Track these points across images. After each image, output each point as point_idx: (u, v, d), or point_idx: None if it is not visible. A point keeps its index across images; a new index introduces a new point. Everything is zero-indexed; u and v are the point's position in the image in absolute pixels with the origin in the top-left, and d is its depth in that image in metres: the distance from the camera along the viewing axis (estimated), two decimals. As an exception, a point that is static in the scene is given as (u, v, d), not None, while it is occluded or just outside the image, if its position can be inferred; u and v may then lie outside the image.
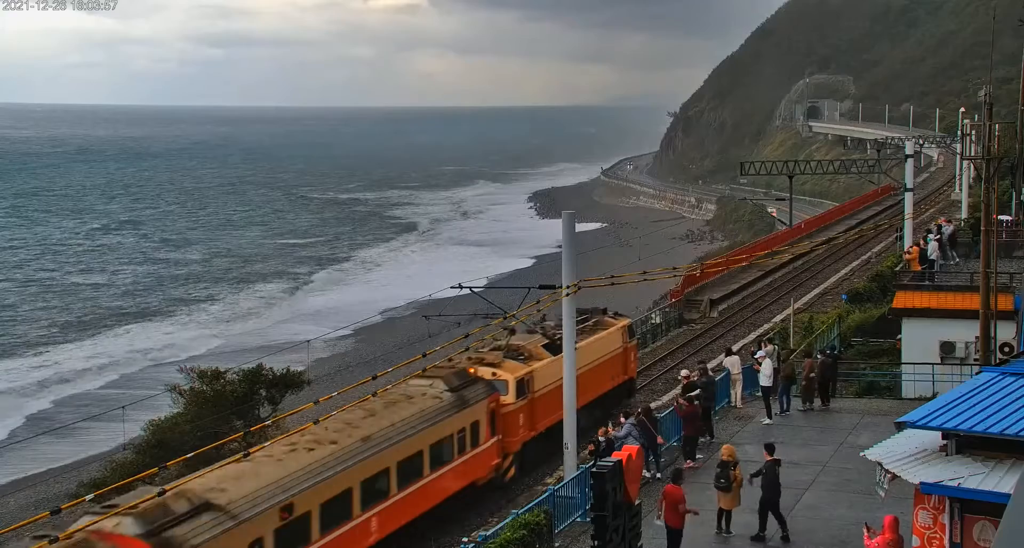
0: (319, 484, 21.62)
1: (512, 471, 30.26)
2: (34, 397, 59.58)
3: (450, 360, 30.22)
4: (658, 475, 24.28)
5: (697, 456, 25.74)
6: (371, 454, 23.60)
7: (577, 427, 25.66)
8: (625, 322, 38.14)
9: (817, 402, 30.50)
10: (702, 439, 26.99)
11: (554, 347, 31.72)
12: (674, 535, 19.24)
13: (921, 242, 40.80)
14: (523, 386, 30.58)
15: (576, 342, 27.57)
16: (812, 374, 30.10)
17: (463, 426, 27.56)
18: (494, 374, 29.90)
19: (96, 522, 17.90)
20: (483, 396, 28.60)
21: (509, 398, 29.82)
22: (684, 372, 28.93)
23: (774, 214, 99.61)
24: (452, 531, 27.50)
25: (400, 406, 26.00)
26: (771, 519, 20.61)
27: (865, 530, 16.11)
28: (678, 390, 31.35)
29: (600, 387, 35.18)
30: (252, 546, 19.84)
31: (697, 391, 27.00)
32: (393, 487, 24.48)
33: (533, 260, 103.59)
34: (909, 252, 39.93)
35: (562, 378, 26.59)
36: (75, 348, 71.16)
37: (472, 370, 29.32)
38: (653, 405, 31.52)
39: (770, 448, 21.00)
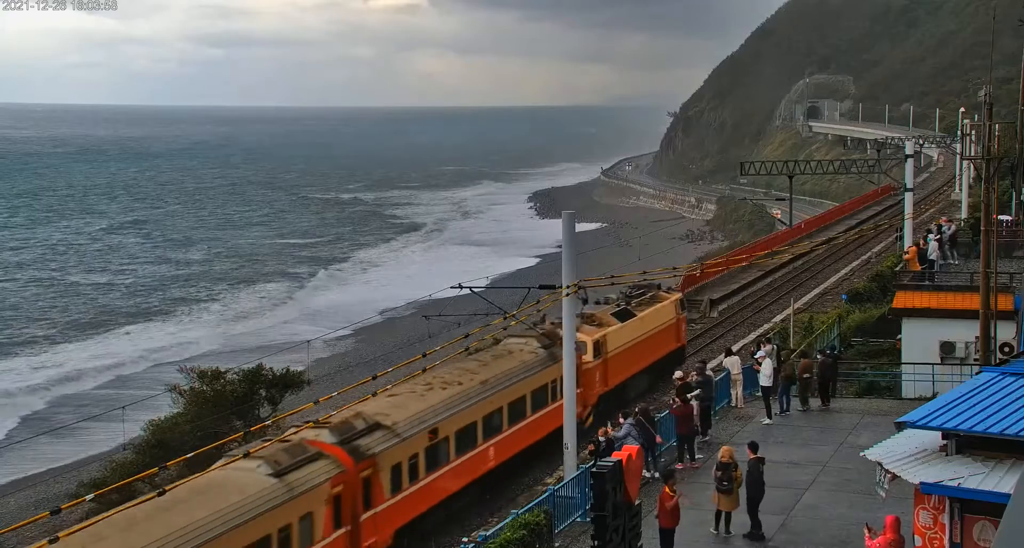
0: (454, 415, 27.27)
1: (590, 420, 33.82)
2: (35, 397, 59.56)
3: (534, 325, 35.08)
4: (656, 475, 24.28)
5: (697, 456, 25.76)
6: (489, 395, 29.17)
7: (636, 389, 37.03)
8: (677, 296, 42.64)
9: (817, 402, 30.51)
10: (703, 438, 27.00)
11: (622, 315, 37.24)
12: (666, 535, 19.23)
13: (921, 242, 40.82)
14: (599, 347, 35.06)
15: (637, 313, 37.41)
16: (807, 375, 30.10)
17: (554, 377, 31.45)
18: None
19: (299, 431, 23.81)
20: None
21: (588, 357, 34.05)
22: (678, 373, 28.99)
23: (777, 215, 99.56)
24: (452, 531, 27.51)
25: (505, 359, 31.51)
26: (773, 518, 20.61)
27: (866, 531, 16.10)
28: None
29: (657, 352, 39.72)
30: (411, 459, 25.57)
31: (697, 391, 27.01)
32: (504, 423, 30.05)
33: (536, 259, 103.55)
34: (907, 252, 39.97)
35: (630, 342, 36.49)
36: (75, 348, 71.12)
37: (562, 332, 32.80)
38: (652, 406, 31.52)
39: (753, 446, 21.05)
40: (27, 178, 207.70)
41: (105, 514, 19.19)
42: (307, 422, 24.50)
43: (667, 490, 19.18)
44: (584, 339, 33.66)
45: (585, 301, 35.06)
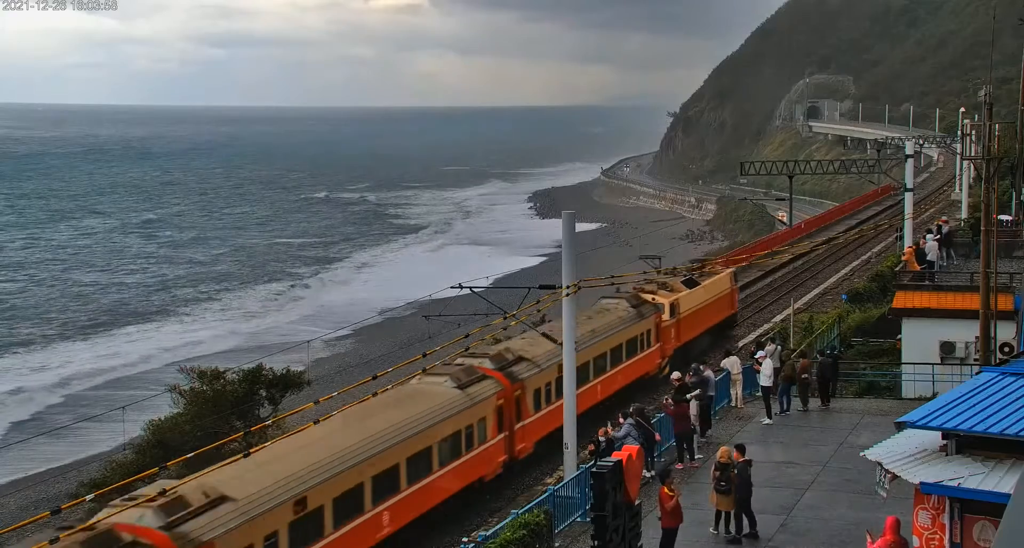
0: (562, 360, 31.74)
1: (667, 369, 39.35)
2: (37, 398, 59.52)
3: (618, 289, 41.19)
4: (654, 474, 24.29)
5: (697, 456, 25.74)
6: (597, 341, 35.74)
7: (701, 346, 43.99)
8: (731, 270, 48.94)
9: (817, 402, 30.51)
10: (702, 439, 27.00)
11: (689, 283, 43.81)
12: (668, 535, 19.22)
13: (921, 241, 40.84)
14: (674, 308, 41.62)
15: (700, 282, 44.38)
16: (805, 375, 30.10)
17: (642, 331, 39.20)
18: (654, 299, 41.17)
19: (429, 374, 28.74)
20: (651, 313, 40.29)
21: (666, 316, 41.07)
22: (675, 374, 28.99)
23: (782, 217, 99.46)
24: (452, 531, 27.52)
25: (604, 315, 37.96)
26: (773, 517, 20.61)
27: (868, 536, 16.07)
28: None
29: (716, 317, 46.69)
30: (547, 386, 32.35)
31: (698, 391, 27.02)
32: (608, 365, 36.58)
33: (539, 259, 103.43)
34: (905, 252, 40.02)
35: (697, 306, 43.29)
36: (76, 348, 71.13)
37: (643, 295, 41.04)
38: (650, 406, 31.58)
39: (741, 448, 21.11)
40: (34, 179, 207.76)
41: (347, 407, 26.43)
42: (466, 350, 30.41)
43: (665, 490, 19.18)
44: (662, 301, 41.18)
45: (658, 270, 42.90)
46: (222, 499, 20.21)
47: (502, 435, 30.18)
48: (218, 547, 19.53)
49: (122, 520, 18.74)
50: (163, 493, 19.42)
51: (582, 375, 32.33)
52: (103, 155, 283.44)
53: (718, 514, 20.75)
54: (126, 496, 20.07)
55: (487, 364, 30.57)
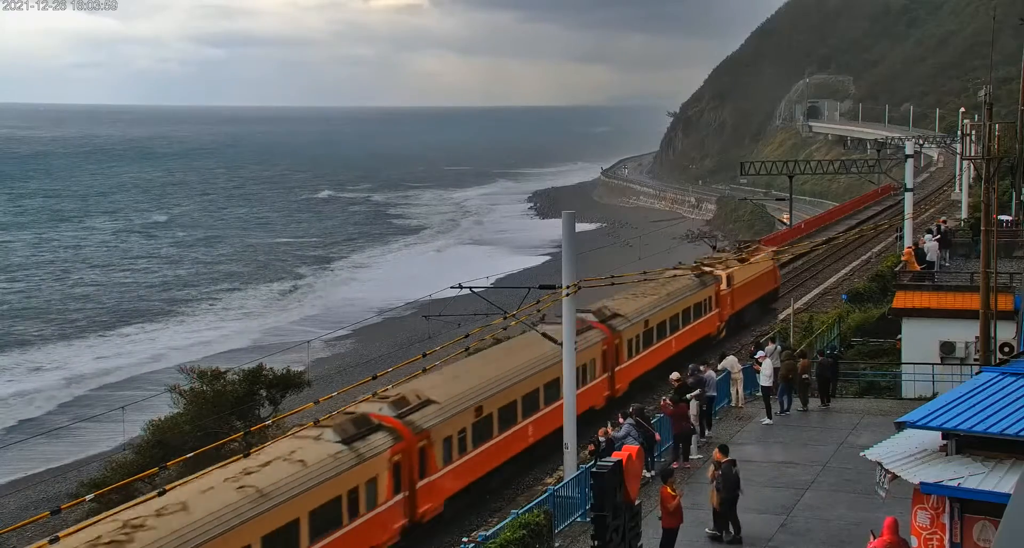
0: (659, 311, 41.00)
1: (723, 334, 48.38)
2: (31, 402, 59.37)
3: (680, 263, 50.69)
4: (654, 474, 24.28)
5: (697, 456, 25.74)
6: (666, 306, 42.05)
7: (751, 314, 52.63)
8: (774, 248, 56.62)
9: (817, 402, 30.50)
10: (702, 438, 27.00)
11: (740, 260, 50.70)
12: (668, 535, 19.21)
13: (920, 241, 40.85)
14: (729, 280, 48.32)
15: (749, 258, 51.36)
16: (805, 375, 30.08)
17: (705, 298, 46.16)
18: (713, 271, 48.02)
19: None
20: (712, 283, 47.08)
21: (723, 286, 47.96)
22: (674, 374, 28.99)
23: (785, 219, 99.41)
24: (452, 531, 27.52)
25: (671, 282, 43.89)
26: (773, 517, 20.59)
27: (871, 535, 16.05)
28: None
29: (763, 289, 53.26)
30: (629, 344, 38.58)
31: (698, 391, 27.02)
32: (680, 326, 43.35)
33: (542, 259, 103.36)
34: (904, 253, 40.03)
35: (747, 278, 50.80)
36: (75, 347, 71.09)
37: (705, 267, 48.43)
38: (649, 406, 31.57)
39: (724, 449, 21.11)
40: (39, 179, 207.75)
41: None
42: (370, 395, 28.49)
43: (667, 490, 19.17)
44: (720, 273, 48.43)
45: (715, 248, 55.19)
46: (429, 402, 27.49)
47: (606, 378, 37.34)
48: (431, 435, 26.74)
49: (371, 410, 26.20)
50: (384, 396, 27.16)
51: (662, 331, 42.05)
52: (105, 155, 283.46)
53: (715, 513, 20.78)
54: (371, 394, 27.16)
55: (590, 317, 37.39)
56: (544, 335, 29.05)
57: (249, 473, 21.68)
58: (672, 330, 42.83)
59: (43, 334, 75.50)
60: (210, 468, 22.15)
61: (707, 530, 20.67)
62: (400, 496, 25.35)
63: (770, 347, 30.92)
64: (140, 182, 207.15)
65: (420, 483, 26.20)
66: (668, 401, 26.04)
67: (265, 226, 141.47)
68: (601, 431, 24.11)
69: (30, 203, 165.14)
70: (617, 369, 37.78)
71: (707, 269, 48.15)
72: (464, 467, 28.26)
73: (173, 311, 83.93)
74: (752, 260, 51.21)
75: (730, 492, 20.32)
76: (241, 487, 21.06)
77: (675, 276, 44.43)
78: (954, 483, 14.22)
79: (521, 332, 34.21)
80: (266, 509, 20.96)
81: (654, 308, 41.17)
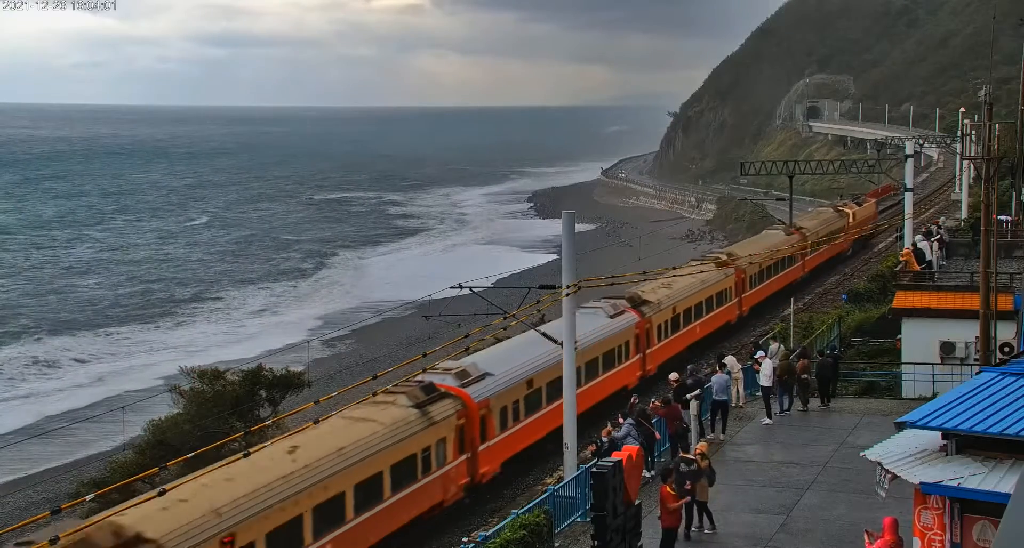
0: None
1: (849, 250, 69.23)
2: (27, 403, 59.25)
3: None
4: (654, 474, 24.27)
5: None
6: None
7: (859, 243, 70.29)
8: (874, 200, 74.14)
9: (817, 402, 30.50)
10: (711, 435, 27.03)
11: (857, 204, 74.89)
12: (668, 535, 19.22)
13: (917, 240, 40.90)
14: (855, 215, 71.68)
15: (862, 204, 76.84)
16: (805, 375, 30.08)
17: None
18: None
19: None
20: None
21: (851, 220, 70.58)
22: (673, 375, 29.01)
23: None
24: (452, 531, 27.53)
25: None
26: (773, 517, 20.58)
27: (866, 536, 16.07)
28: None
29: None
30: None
31: (698, 391, 27.03)
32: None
33: (544, 258, 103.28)
34: (903, 253, 40.08)
35: (861, 219, 72.72)
36: (73, 345, 71.07)
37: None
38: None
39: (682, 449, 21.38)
40: (75, 179, 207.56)
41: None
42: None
43: (667, 489, 19.18)
44: (848, 211, 71.63)
45: (856, 201, 77.01)
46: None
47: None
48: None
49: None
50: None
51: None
52: (124, 156, 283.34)
53: (709, 512, 20.82)
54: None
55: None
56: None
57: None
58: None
59: (158, 323, 77.48)
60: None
61: (702, 529, 20.71)
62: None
63: (773, 347, 30.91)
64: (166, 183, 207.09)
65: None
66: (658, 403, 26.12)
67: (295, 226, 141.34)
68: (604, 431, 24.13)
69: (69, 204, 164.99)
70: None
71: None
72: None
73: (267, 307, 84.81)
74: (863, 205, 75.14)
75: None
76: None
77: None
78: (954, 483, 14.22)
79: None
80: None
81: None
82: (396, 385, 28.24)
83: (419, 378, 28.95)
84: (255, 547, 20.94)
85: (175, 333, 75.33)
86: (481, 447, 29.41)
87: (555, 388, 31.17)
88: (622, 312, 39.19)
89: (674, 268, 42.65)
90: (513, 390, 31.30)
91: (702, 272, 45.76)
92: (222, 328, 77.36)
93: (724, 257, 51.20)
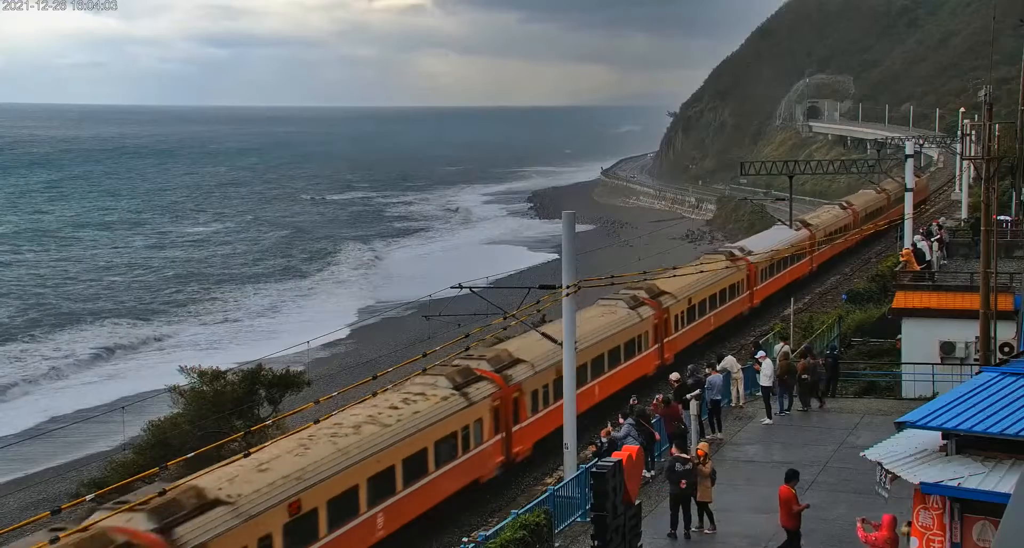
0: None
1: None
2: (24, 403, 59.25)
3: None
4: (654, 474, 24.27)
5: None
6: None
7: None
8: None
9: (815, 402, 30.49)
10: (711, 434, 27.02)
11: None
12: (792, 536, 19.16)
13: (918, 240, 40.91)
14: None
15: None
16: (805, 376, 30.08)
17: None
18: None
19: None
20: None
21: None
22: (674, 375, 29.01)
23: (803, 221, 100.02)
24: (452, 531, 27.53)
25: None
26: (773, 517, 20.59)
27: (859, 523, 16.13)
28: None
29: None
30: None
31: (698, 391, 27.02)
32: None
33: (545, 258, 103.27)
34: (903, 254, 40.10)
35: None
36: (70, 341, 71.01)
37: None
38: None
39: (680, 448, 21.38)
40: (108, 179, 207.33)
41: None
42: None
43: (790, 491, 19.15)
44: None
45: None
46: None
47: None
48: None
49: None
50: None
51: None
52: (143, 155, 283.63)
53: (709, 511, 20.82)
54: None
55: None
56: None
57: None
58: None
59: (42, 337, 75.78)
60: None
61: (703, 529, 20.71)
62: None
63: (779, 346, 30.94)
64: (194, 182, 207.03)
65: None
66: (659, 399, 26.12)
67: (268, 225, 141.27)
68: (604, 431, 24.13)
69: (115, 204, 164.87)
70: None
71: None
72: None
73: (186, 312, 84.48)
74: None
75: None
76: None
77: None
78: (954, 483, 14.22)
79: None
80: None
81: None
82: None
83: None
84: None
85: (232, 329, 76.74)
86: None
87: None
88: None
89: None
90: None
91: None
92: (276, 324, 78.12)
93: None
